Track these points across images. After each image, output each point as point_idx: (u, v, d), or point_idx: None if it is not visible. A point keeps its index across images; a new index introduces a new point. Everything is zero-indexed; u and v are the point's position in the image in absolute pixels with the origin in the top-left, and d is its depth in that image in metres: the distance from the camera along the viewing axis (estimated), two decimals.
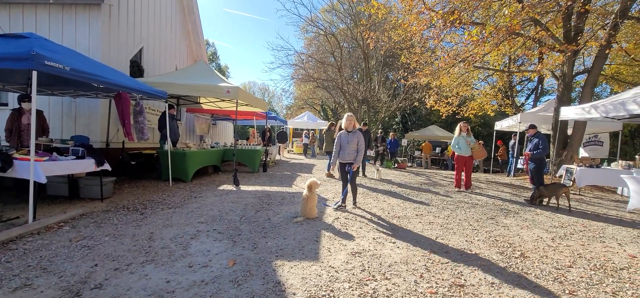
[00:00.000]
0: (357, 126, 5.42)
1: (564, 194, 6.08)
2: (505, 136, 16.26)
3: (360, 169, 9.67)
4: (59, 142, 5.64)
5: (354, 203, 5.54)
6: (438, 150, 19.70)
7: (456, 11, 8.85)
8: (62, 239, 3.47)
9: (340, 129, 8.75)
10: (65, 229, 3.80)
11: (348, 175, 5.24)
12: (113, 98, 6.15)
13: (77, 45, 7.01)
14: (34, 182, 3.83)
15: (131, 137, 6.13)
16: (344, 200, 5.41)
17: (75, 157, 4.81)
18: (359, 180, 8.91)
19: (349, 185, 5.25)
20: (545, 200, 6.42)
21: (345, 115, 5.35)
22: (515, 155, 12.13)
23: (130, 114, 6.05)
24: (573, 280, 2.93)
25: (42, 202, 4.95)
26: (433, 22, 9.40)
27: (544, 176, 6.98)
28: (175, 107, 9.02)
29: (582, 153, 10.94)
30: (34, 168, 3.83)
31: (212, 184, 7.29)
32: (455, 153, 7.88)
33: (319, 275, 2.81)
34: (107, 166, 5.20)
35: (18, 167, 3.92)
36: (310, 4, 38.90)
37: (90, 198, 5.34)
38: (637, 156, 8.11)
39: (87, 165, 4.91)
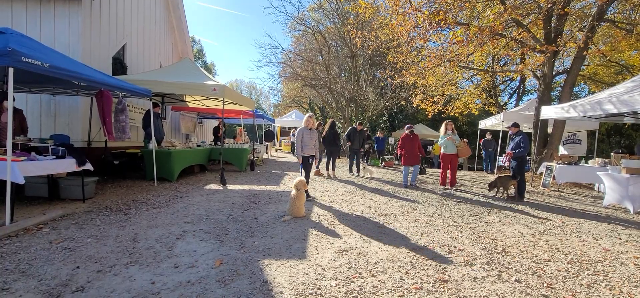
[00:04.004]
0: (316, 126, 6.18)
1: (511, 186, 6.81)
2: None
3: (355, 168, 9.87)
4: (38, 141, 5.45)
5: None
6: (429, 148, 20.03)
7: (441, 12, 9.01)
8: (42, 241, 3.37)
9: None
10: (45, 231, 3.69)
11: (310, 167, 6.13)
12: (94, 96, 5.99)
13: (56, 42, 6.78)
14: (12, 183, 3.70)
15: (111, 136, 5.99)
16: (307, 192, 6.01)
17: (55, 157, 4.67)
18: (351, 177, 9.01)
19: (308, 172, 6.09)
20: (497, 190, 7.07)
21: (305, 116, 6.02)
22: (494, 152, 12.58)
23: (111, 112, 5.91)
24: (551, 273, 3.04)
25: (20, 203, 4.78)
26: (419, 23, 9.54)
27: (526, 173, 7.20)
28: (160, 105, 8.85)
29: (562, 151, 11.33)
30: (11, 169, 3.69)
31: (199, 184, 7.20)
32: (441, 151, 8.04)
33: (306, 274, 2.83)
34: (88, 166, 5.07)
35: None
36: (297, 2, 38.77)
37: (71, 199, 5.19)
38: (612, 154, 8.44)
39: (68, 164, 4.78)
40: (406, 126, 8.41)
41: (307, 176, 6.03)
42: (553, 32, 9.65)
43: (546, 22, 9.55)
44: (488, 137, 13.23)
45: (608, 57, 11.66)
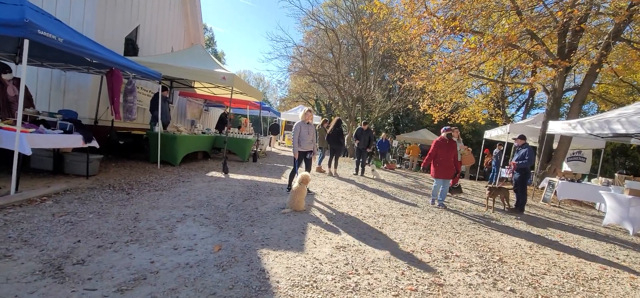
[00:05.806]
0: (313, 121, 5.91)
1: (510, 196, 6.84)
2: (493, 145, 16.58)
3: (360, 170, 9.81)
4: (47, 115, 5.52)
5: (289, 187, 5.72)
6: None
7: (457, 18, 8.95)
8: (45, 213, 3.42)
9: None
10: (48, 203, 3.75)
11: (309, 162, 5.88)
12: (105, 74, 6.04)
13: (71, 18, 6.82)
14: (19, 153, 3.76)
15: (118, 116, 6.05)
16: (290, 186, 5.68)
17: (62, 131, 4.72)
18: (353, 177, 9.01)
19: (298, 169, 5.73)
20: (493, 201, 6.79)
21: (304, 110, 5.87)
22: (500, 164, 12.32)
23: (120, 92, 5.96)
24: (546, 286, 3.04)
25: (25, 174, 4.84)
26: (433, 27, 9.49)
27: (527, 187, 7.16)
28: (168, 89, 8.90)
29: (565, 167, 11.21)
30: (19, 140, 3.75)
31: (201, 170, 7.25)
32: None
33: (303, 266, 2.85)
34: (94, 143, 5.12)
35: (2, 136, 3.83)
36: None
37: (75, 174, 5.25)
38: (616, 174, 8.38)
39: (75, 140, 4.83)
40: (443, 129, 6.60)
41: (295, 172, 5.74)
42: (567, 48, 9.56)
43: (561, 37, 9.46)
44: (500, 148, 12.83)
45: (620, 77, 11.54)
